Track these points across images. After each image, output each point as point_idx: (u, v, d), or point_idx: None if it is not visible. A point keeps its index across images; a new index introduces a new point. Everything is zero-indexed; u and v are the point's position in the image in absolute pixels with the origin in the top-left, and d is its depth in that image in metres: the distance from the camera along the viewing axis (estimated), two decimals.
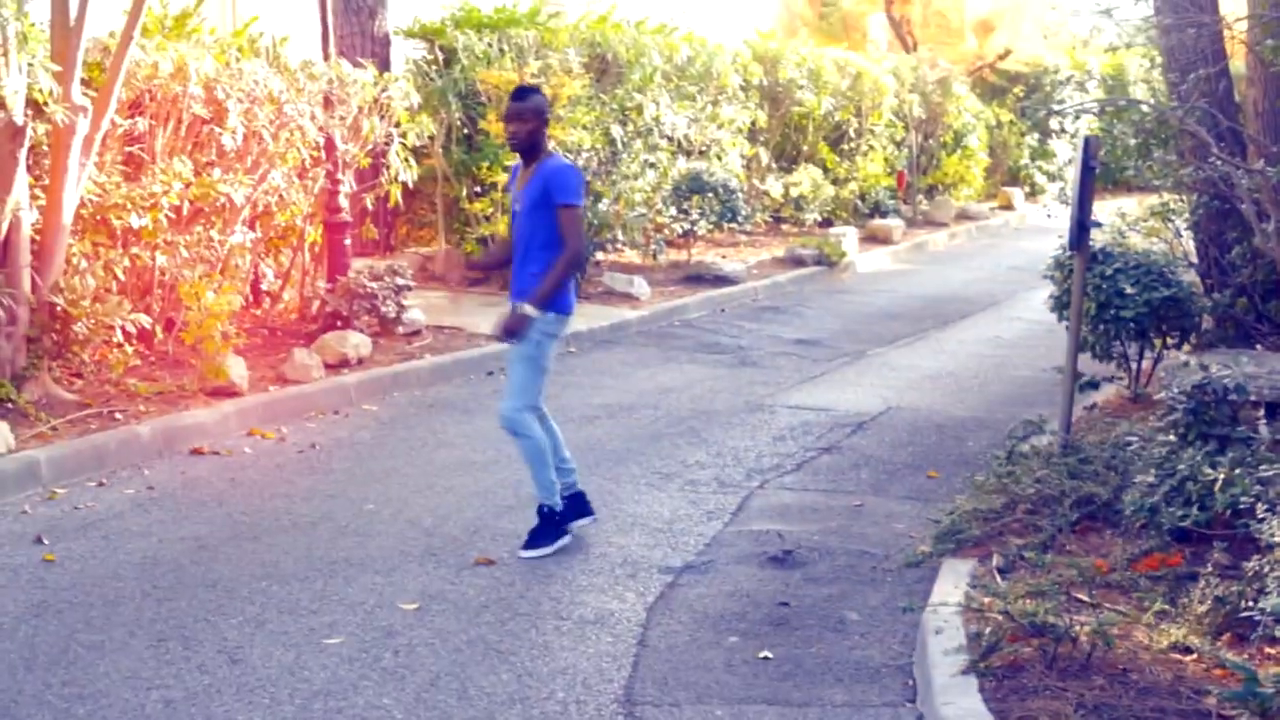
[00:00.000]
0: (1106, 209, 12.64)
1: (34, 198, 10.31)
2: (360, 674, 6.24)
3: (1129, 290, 10.24)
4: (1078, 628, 5.94)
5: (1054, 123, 29.09)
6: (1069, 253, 9.52)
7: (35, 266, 10.21)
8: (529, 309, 7.74)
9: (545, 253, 7.82)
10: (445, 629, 6.77)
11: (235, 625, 6.78)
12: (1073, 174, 8.89)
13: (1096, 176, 8.67)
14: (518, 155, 8.09)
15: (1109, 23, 13.55)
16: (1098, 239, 10.22)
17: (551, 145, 8.85)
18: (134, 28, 10.57)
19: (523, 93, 7.99)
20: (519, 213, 7.95)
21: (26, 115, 9.88)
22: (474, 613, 6.97)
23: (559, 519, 8.04)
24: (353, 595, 7.20)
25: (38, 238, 10.30)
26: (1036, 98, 28.68)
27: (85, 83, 10.53)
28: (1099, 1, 11.71)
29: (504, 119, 8.04)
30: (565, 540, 8.02)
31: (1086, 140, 8.60)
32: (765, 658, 6.53)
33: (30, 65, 9.91)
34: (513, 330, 7.77)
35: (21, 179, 10.00)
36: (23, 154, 9.93)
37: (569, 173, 7.95)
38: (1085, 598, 6.52)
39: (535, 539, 7.95)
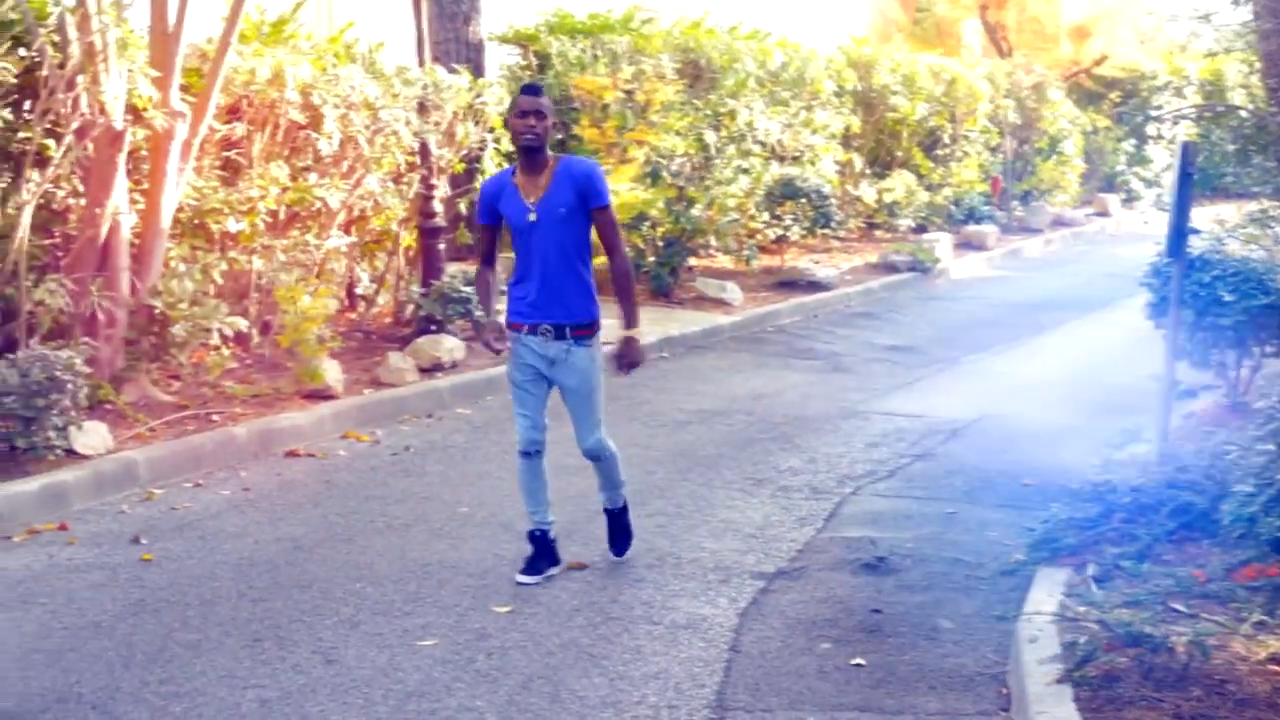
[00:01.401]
0: (1204, 216, 12.51)
1: (133, 202, 10.44)
2: (453, 676, 6.26)
3: (1227, 298, 10.10)
4: (1174, 638, 5.87)
5: (1151, 128, 28.81)
6: (1167, 260, 9.42)
7: (134, 270, 10.33)
8: (637, 333, 7.48)
9: (585, 264, 7.42)
10: (538, 632, 6.78)
11: (330, 626, 6.82)
12: (1171, 180, 8.80)
13: (1194, 183, 8.58)
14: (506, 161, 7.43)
15: (1207, 28, 13.48)
16: (1196, 246, 10.09)
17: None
18: (232, 34, 10.67)
19: (535, 88, 7.37)
20: (536, 225, 7.25)
21: (126, 120, 10.01)
22: (566, 616, 6.98)
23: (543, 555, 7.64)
24: (446, 598, 7.23)
25: (137, 241, 10.43)
26: (1133, 103, 28.44)
27: (184, 88, 10.64)
28: (1197, 6, 11.64)
29: (519, 114, 7.26)
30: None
31: (1185, 146, 8.50)
32: (858, 664, 6.50)
33: (130, 71, 10.04)
34: (636, 361, 7.49)
35: (121, 183, 10.12)
36: (122, 159, 10.05)
37: (600, 170, 7.53)
38: (1182, 608, 6.44)
39: (623, 540, 7.93)
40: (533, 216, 7.24)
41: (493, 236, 7.59)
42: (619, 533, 7.92)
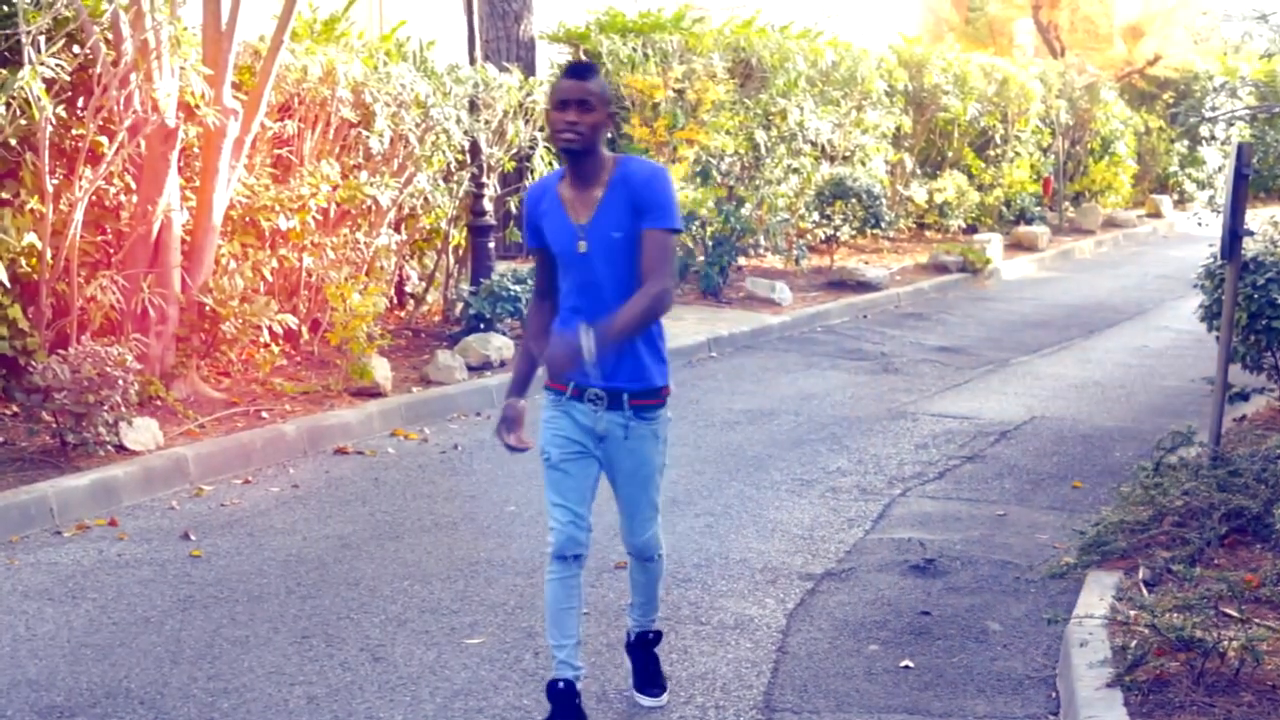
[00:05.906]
0: (1258, 217, 12.42)
1: (185, 199, 10.49)
2: (501, 674, 6.26)
3: None
4: (1226, 643, 5.82)
5: (1204, 129, 28.63)
6: (1220, 262, 9.35)
7: (185, 267, 10.38)
8: (608, 329, 5.20)
9: None
10: (584, 632, 6.74)
11: (378, 624, 6.83)
12: (1224, 181, 8.73)
13: (1249, 184, 8.51)
14: (563, 161, 5.53)
15: (1263, 28, 13.34)
16: (1249, 248, 10.02)
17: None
18: (284, 32, 10.70)
19: (585, 69, 5.40)
20: (586, 256, 5.40)
21: (178, 118, 10.04)
22: (613, 616, 6.97)
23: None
24: (494, 596, 7.24)
25: (188, 238, 10.47)
26: (1187, 104, 28.24)
27: (236, 86, 10.68)
28: (1254, 6, 11.52)
29: (557, 104, 5.31)
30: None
31: (1240, 147, 8.42)
32: (906, 667, 6.47)
33: (183, 68, 10.08)
34: (578, 348, 5.18)
35: (173, 180, 10.16)
36: (174, 156, 10.09)
37: (666, 180, 5.48)
38: (1234, 612, 6.39)
39: (654, 675, 6.10)
40: (583, 246, 5.41)
41: (550, 260, 5.64)
42: (650, 665, 6.09)
